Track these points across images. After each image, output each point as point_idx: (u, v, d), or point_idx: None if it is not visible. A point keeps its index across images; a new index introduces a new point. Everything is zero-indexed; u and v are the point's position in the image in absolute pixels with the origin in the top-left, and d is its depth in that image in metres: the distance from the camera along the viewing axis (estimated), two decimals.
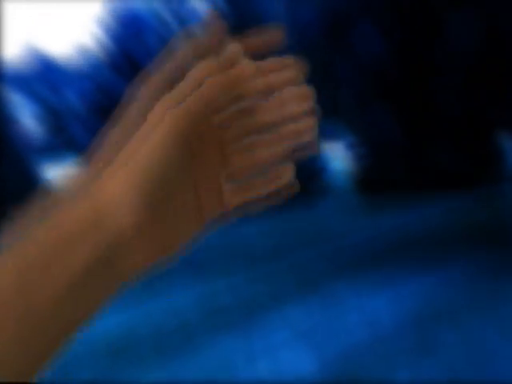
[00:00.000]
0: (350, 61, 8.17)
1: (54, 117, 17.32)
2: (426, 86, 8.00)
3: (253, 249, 9.44)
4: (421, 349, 4.58)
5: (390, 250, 8.35)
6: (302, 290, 6.57)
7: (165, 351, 5.15)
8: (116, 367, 4.99)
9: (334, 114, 16.10)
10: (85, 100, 16.09)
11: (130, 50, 15.97)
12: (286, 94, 0.42)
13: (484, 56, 7.35)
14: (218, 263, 8.41)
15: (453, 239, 8.73)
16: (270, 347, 4.94)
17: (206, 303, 6.38)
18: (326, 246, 9.09)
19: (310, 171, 16.32)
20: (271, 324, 5.47)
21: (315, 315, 5.65)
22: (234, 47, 0.41)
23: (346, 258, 8.10)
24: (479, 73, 7.54)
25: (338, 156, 19.36)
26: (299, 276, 7.29)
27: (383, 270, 7.18)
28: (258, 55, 0.42)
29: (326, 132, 18.95)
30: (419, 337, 4.82)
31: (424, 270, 7.02)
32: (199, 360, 4.99)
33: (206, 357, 4.99)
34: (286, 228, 11.28)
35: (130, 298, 6.89)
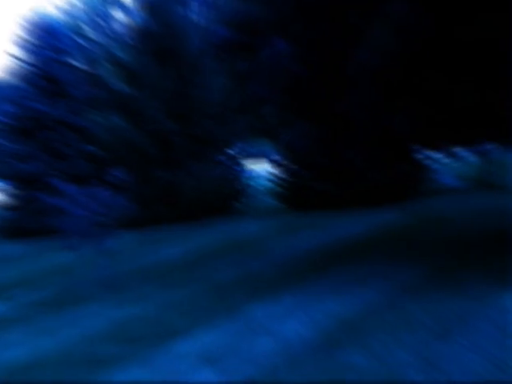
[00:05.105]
0: (266, 78, 8.08)
1: None
2: (343, 102, 7.98)
3: (169, 270, 9.11)
4: (331, 374, 4.42)
5: (310, 269, 8.23)
6: (216, 313, 6.33)
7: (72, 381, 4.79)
8: None
9: (258, 132, 16.01)
10: (8, 120, 15.82)
11: (51, 70, 15.70)
12: None
13: (399, 72, 7.40)
14: (133, 287, 8.04)
15: (374, 257, 8.72)
16: (176, 374, 4.67)
17: (118, 332, 6.04)
18: (245, 266, 8.89)
19: (231, 190, 16.10)
20: (179, 351, 5.19)
21: (227, 339, 5.41)
22: None
23: (263, 278, 7.92)
24: (393, 87, 7.59)
25: (262, 174, 19.39)
26: (215, 298, 7.05)
27: (299, 290, 7.03)
28: None
29: (250, 150, 18.86)
30: (329, 362, 4.66)
31: (342, 288, 6.93)
32: None
33: None
34: (204, 246, 10.99)
35: (40, 327, 6.43)
